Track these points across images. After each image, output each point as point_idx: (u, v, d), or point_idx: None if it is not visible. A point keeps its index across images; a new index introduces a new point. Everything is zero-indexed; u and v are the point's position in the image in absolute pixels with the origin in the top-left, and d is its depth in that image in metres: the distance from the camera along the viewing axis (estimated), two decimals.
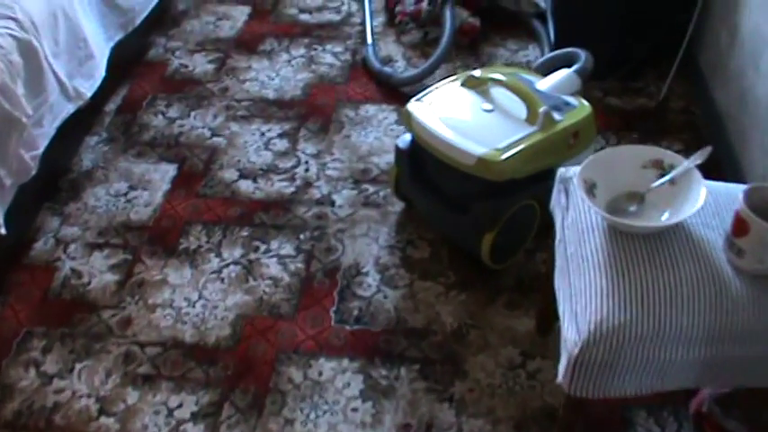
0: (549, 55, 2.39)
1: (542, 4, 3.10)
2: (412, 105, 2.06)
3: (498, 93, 2.10)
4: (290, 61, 2.92)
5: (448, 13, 2.94)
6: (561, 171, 1.63)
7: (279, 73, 2.86)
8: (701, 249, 1.38)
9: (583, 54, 2.28)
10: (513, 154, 1.91)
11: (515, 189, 1.98)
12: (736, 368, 1.36)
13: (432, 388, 1.84)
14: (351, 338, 1.95)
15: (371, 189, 2.37)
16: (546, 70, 2.27)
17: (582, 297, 1.36)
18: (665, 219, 1.43)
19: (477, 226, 2.00)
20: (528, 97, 2.02)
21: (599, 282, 1.36)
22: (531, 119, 2.00)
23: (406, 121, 2.06)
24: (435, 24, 3.01)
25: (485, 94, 2.09)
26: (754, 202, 1.33)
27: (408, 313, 2.01)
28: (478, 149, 1.91)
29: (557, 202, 1.63)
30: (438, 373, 1.87)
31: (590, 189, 1.46)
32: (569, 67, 2.25)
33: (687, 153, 1.52)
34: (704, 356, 1.33)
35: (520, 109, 2.02)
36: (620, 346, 1.30)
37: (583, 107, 2.10)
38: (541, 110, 1.98)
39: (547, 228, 2.12)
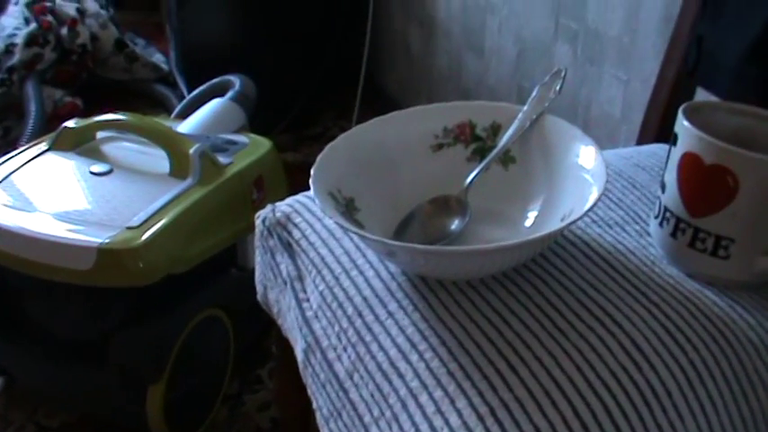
0: (190, 96, 1.56)
1: (164, 66, 2.30)
2: None
3: (116, 148, 1.22)
4: None
5: (31, 95, 2.00)
6: (265, 215, 0.79)
7: None
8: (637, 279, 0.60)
9: (237, 79, 1.50)
10: (161, 230, 1.03)
11: (180, 294, 1.09)
12: None
13: None
14: None
15: None
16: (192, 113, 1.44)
17: None
18: (530, 225, 0.64)
19: (128, 380, 1.06)
20: (165, 138, 1.16)
21: None
22: (178, 170, 1.14)
23: None
24: (15, 112, 2.05)
25: (94, 154, 1.20)
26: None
27: None
28: (96, 236, 1.00)
29: (269, 282, 0.77)
30: None
31: (347, 211, 0.63)
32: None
33: None
34: None
35: (157, 162, 1.16)
36: None
37: (258, 143, 1.30)
38: (193, 151, 1.13)
39: (255, 348, 1.29)
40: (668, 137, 0.84)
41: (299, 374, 0.69)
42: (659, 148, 0.82)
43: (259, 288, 0.81)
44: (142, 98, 2.24)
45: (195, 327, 1.11)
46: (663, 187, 0.63)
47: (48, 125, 1.91)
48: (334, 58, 2.04)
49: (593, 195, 0.57)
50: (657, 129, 0.85)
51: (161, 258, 1.02)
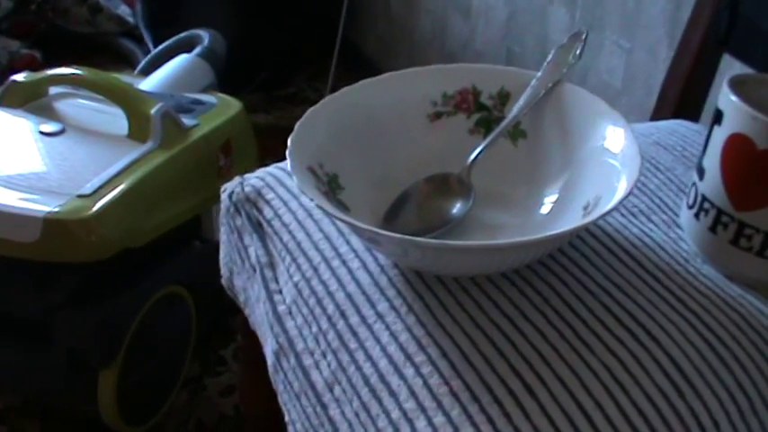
0: (155, 51, 1.44)
1: (130, 19, 2.16)
2: None
3: (70, 106, 1.10)
4: None
5: None
6: (232, 188, 0.68)
7: None
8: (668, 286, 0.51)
9: (205, 34, 1.38)
10: (116, 199, 0.92)
11: (137, 270, 0.99)
12: None
13: None
14: None
15: None
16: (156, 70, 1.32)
17: None
18: (547, 212, 0.54)
19: (77, 364, 0.96)
20: (124, 95, 1.05)
21: None
22: (137, 132, 1.03)
23: None
24: None
25: (45, 112, 1.08)
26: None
27: None
28: (43, 205, 0.89)
29: (235, 266, 0.67)
30: None
31: (330, 190, 0.53)
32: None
33: None
34: None
35: (115, 122, 1.05)
36: None
37: (227, 103, 1.19)
38: (154, 111, 1.02)
39: (218, 327, 1.20)
40: (689, 112, 0.76)
41: (262, 365, 0.60)
42: (679, 125, 0.73)
43: (224, 271, 0.71)
44: (106, 53, 2.11)
45: (153, 306, 1.01)
46: (700, 173, 0.54)
47: (3, 79, 1.77)
48: (310, 15, 1.92)
49: (623, 184, 0.48)
50: (677, 103, 0.76)
51: (115, 231, 0.92)
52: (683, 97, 0.75)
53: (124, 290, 0.97)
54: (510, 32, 1.43)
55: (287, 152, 0.52)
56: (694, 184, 0.54)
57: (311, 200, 0.48)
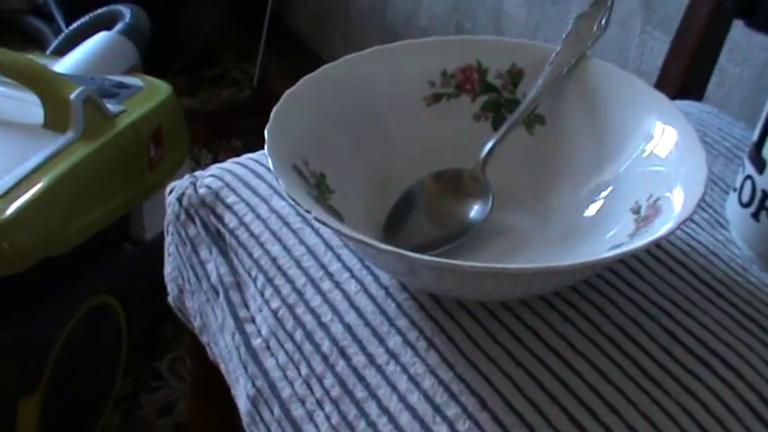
0: (71, 28, 1.29)
1: None
2: None
3: None
4: None
5: None
6: (182, 189, 0.56)
7: None
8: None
9: (126, 9, 1.24)
10: (33, 200, 0.79)
11: (59, 282, 0.86)
12: None
13: None
14: None
15: None
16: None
17: None
18: (588, 215, 0.45)
19: None
20: (38, 78, 0.91)
21: None
22: (55, 120, 0.89)
23: None
24: None
25: None
26: None
27: None
28: None
29: (188, 285, 0.56)
30: None
31: (320, 195, 0.42)
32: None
33: None
34: None
35: (28, 110, 0.91)
36: None
37: (155, 87, 1.06)
38: (74, 95, 0.88)
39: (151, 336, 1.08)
40: (695, 91, 0.67)
41: (219, 399, 0.49)
42: (691, 107, 0.64)
43: (171, 288, 0.60)
44: (11, 33, 1.93)
45: (79, 321, 0.88)
46: (759, 165, 0.45)
47: None
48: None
49: (678, 188, 0.39)
50: (681, 81, 0.68)
51: (33, 237, 0.79)
52: (688, 76, 0.67)
53: (45, 306, 0.84)
54: (460, 6, 1.34)
55: (266, 147, 0.41)
56: (749, 177, 0.46)
57: (307, 212, 0.37)
